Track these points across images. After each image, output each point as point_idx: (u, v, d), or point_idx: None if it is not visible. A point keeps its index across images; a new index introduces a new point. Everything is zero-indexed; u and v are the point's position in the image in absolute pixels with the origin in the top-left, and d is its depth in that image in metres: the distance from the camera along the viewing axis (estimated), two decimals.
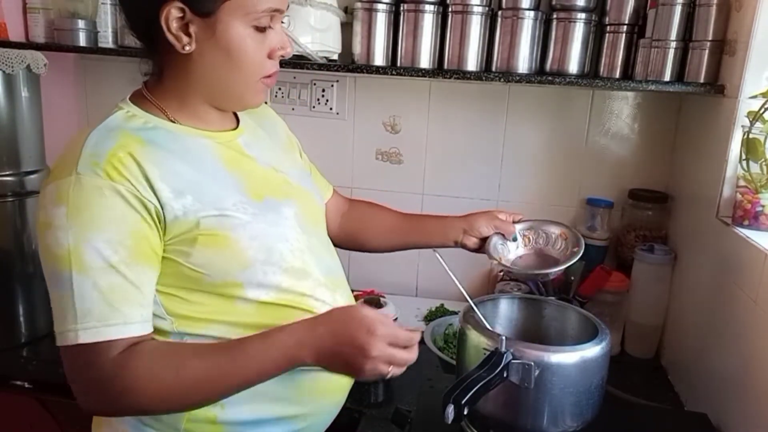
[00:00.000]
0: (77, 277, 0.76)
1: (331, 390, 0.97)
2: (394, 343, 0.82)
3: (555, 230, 1.17)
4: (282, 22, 0.92)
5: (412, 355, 0.84)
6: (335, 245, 1.13)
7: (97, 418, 0.97)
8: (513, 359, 0.88)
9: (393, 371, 0.83)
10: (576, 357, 0.91)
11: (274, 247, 0.89)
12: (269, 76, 0.91)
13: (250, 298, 0.87)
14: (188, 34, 0.83)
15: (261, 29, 0.86)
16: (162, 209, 0.81)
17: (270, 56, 0.89)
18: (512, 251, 1.17)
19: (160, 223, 0.81)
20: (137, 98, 0.89)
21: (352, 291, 1.40)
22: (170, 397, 0.81)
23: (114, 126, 0.83)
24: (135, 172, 0.79)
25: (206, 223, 0.83)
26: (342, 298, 0.99)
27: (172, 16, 0.81)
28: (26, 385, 1.37)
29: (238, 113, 1.01)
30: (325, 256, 1.00)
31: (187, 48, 0.83)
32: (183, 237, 0.82)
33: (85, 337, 0.77)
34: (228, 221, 0.85)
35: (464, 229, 1.15)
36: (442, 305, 1.67)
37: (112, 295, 0.78)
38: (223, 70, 0.86)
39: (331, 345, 0.81)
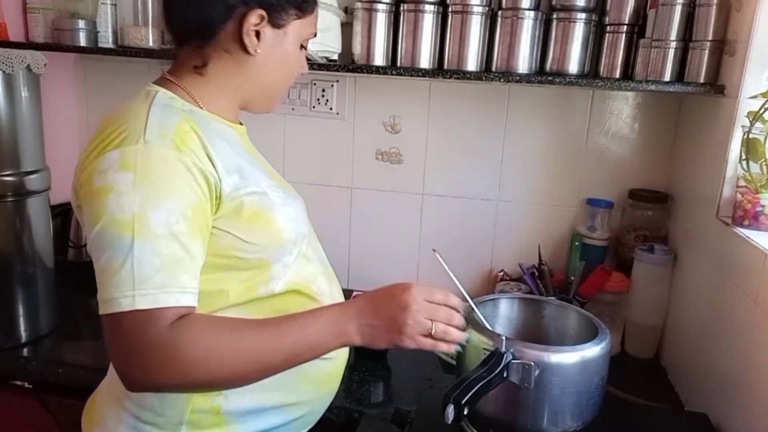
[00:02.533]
0: (139, 242, 0.75)
1: (327, 378, 1.00)
2: (430, 300, 0.86)
3: None
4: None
5: (454, 318, 0.87)
6: None
7: (87, 419, 0.97)
8: (513, 359, 0.88)
9: (437, 330, 0.85)
10: (576, 357, 0.91)
11: (300, 230, 0.94)
12: None
13: (272, 275, 0.90)
14: (258, 39, 0.89)
15: (303, 48, 0.97)
16: (220, 183, 0.83)
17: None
18: None
19: (216, 199, 0.83)
20: (164, 84, 0.90)
21: (352, 291, 1.40)
22: (221, 367, 0.78)
23: (166, 103, 0.85)
24: (198, 146, 0.82)
25: (250, 201, 0.86)
26: (337, 291, 1.02)
27: (251, 22, 0.87)
28: (26, 385, 1.37)
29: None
30: (321, 250, 1.04)
31: (257, 51, 0.89)
32: (229, 214, 0.84)
33: (143, 303, 0.75)
34: (268, 201, 0.88)
35: None
36: None
37: (172, 263, 0.77)
38: (274, 76, 0.95)
39: (373, 319, 0.85)
